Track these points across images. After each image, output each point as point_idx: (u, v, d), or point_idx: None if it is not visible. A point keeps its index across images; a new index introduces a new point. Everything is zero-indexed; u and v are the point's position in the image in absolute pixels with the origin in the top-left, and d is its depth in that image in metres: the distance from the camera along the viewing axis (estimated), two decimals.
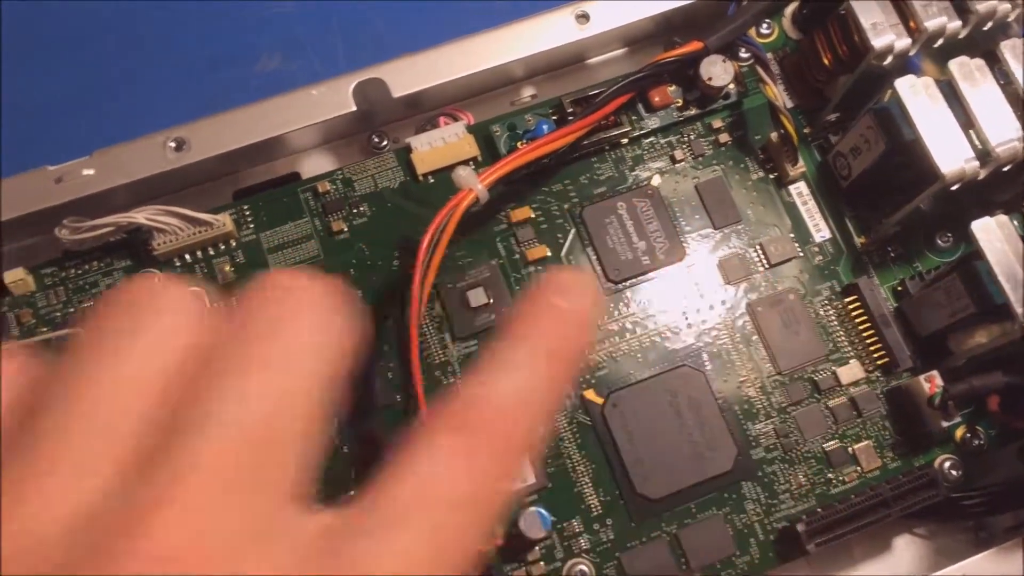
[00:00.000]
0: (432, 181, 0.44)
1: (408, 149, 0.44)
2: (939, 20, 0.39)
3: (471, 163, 0.44)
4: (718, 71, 0.43)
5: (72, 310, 0.41)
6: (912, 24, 0.41)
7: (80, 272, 0.42)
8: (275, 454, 0.17)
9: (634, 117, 0.45)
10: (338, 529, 0.17)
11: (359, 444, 0.41)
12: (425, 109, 0.47)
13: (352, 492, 0.39)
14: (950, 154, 0.38)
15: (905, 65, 0.42)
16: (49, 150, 0.46)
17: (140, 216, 0.40)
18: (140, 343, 0.17)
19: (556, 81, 0.48)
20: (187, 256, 0.42)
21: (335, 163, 0.47)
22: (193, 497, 0.15)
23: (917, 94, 0.39)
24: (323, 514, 0.17)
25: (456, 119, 0.45)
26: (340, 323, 0.19)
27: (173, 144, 0.41)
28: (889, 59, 0.40)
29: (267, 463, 0.17)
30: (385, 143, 0.46)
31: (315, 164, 0.47)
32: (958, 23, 0.40)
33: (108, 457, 0.16)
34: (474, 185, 0.39)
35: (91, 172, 0.40)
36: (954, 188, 0.39)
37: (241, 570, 0.15)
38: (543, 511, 0.39)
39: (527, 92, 0.48)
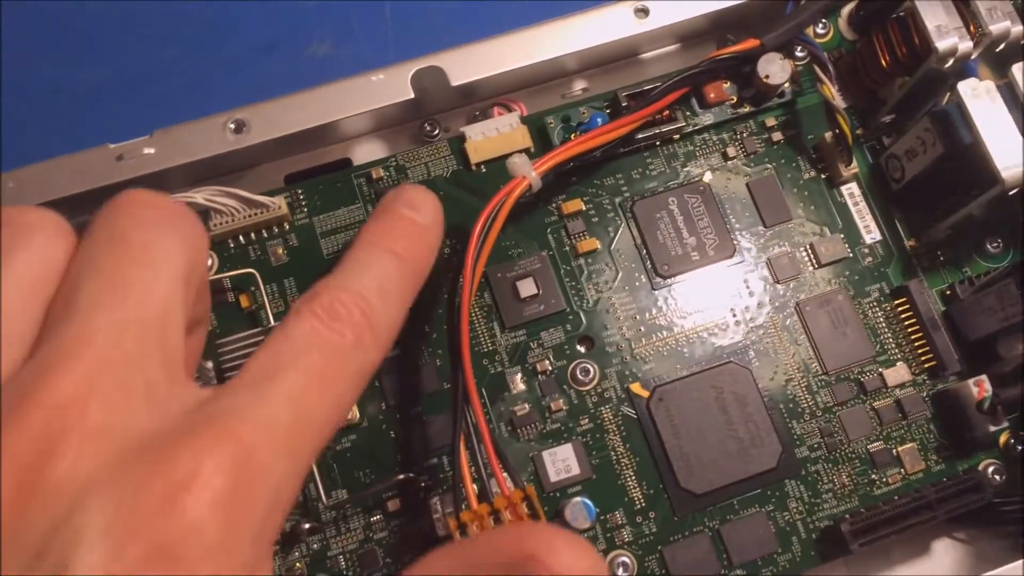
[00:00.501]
0: (485, 171, 0.44)
1: (462, 138, 0.44)
2: (1003, 24, 0.39)
3: (524, 154, 0.44)
4: (775, 69, 0.43)
5: None
6: (972, 28, 0.40)
7: None
8: (152, 334, 0.20)
9: (688, 113, 0.45)
10: (214, 395, 0.20)
11: (405, 430, 0.41)
12: (478, 99, 0.47)
13: (400, 476, 0.40)
14: (1010, 159, 0.38)
15: (963, 69, 0.42)
16: (100, 130, 0.47)
17: (199, 196, 0.40)
18: (27, 249, 0.20)
19: (608, 75, 0.48)
20: (241, 238, 0.42)
21: (386, 150, 0.47)
22: (85, 363, 0.18)
23: (979, 97, 0.39)
24: (205, 389, 0.21)
25: (510, 110, 0.45)
26: (194, 233, 0.22)
27: (233, 126, 0.41)
28: (950, 62, 0.40)
29: (147, 340, 0.20)
30: (437, 131, 0.47)
31: (366, 151, 0.47)
32: (1021, 28, 0.40)
33: (15, 339, 0.19)
34: (528, 173, 0.39)
35: (151, 151, 0.41)
36: (1012, 193, 0.38)
37: (133, 421, 0.19)
38: (588, 502, 0.39)
39: (579, 85, 0.48)
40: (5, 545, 0.17)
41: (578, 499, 0.39)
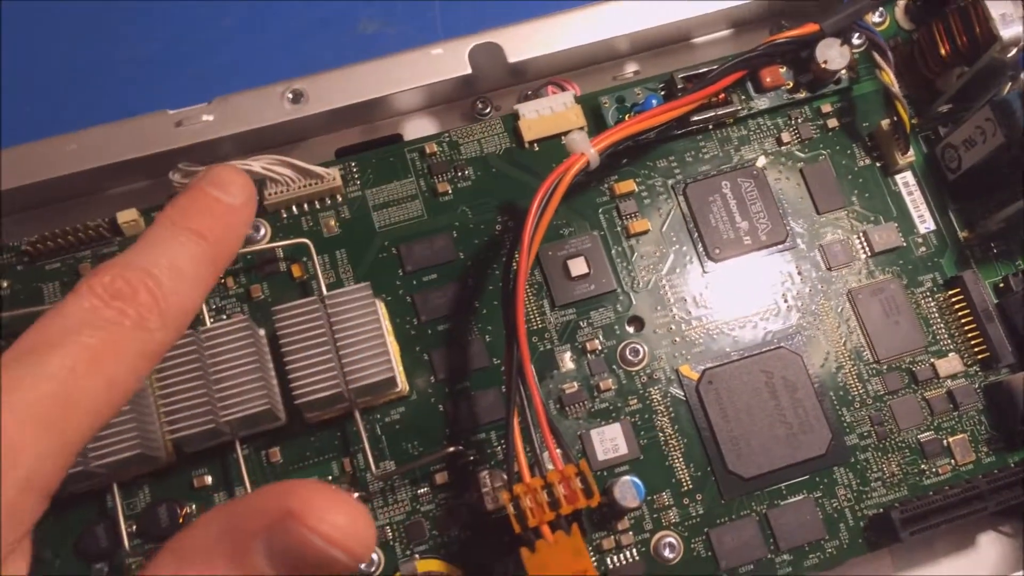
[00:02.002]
0: (538, 149, 0.44)
1: (515, 116, 0.44)
2: None
3: (582, 131, 0.43)
4: (834, 55, 0.43)
5: None
6: None
7: None
8: None
9: (743, 97, 0.44)
10: None
11: (453, 404, 0.41)
12: (529, 78, 0.47)
13: (451, 448, 0.40)
14: None
15: (1020, 60, 0.41)
16: (146, 100, 0.47)
17: (256, 164, 0.40)
18: None
19: (659, 58, 0.48)
20: (294, 208, 0.42)
21: (436, 127, 0.47)
22: None
23: None
24: None
25: (563, 89, 0.45)
26: None
27: (291, 95, 0.41)
28: (1013, 51, 0.40)
29: None
30: (488, 109, 0.47)
31: (416, 127, 0.47)
32: None
33: None
34: (586, 149, 0.39)
35: (210, 118, 0.41)
36: None
37: None
38: (638, 481, 0.39)
39: (630, 68, 0.48)
40: None
41: (627, 477, 0.39)
